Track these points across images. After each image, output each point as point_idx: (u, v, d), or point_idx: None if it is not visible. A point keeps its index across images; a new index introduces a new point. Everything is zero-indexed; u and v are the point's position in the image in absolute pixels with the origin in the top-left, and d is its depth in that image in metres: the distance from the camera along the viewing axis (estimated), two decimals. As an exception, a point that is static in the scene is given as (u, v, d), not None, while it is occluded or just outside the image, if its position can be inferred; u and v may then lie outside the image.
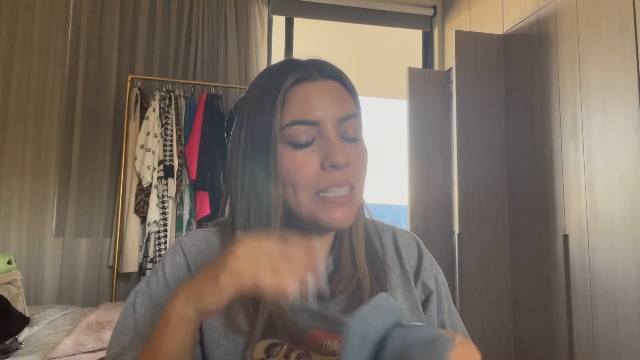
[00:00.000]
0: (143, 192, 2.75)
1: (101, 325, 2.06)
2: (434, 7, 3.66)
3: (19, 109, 2.91)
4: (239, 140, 0.64)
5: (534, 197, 2.45)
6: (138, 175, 2.73)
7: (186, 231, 2.81)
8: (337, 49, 4.37)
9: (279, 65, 0.65)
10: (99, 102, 3.01)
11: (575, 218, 2.15)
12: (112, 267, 2.85)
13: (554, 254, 2.27)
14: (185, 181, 2.81)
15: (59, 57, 3.00)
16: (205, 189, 2.80)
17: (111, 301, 2.76)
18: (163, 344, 0.52)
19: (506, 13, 2.79)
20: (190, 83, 3.01)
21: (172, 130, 2.77)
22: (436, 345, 0.42)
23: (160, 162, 2.73)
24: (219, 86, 3.03)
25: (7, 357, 1.75)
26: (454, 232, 2.82)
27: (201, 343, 0.62)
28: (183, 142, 2.82)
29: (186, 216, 2.83)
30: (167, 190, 2.72)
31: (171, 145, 2.75)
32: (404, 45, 4.07)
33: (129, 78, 2.90)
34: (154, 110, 2.78)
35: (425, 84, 3.17)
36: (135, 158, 2.74)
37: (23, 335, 1.99)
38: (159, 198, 2.72)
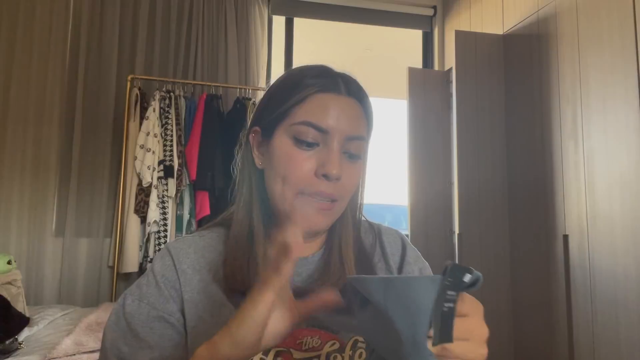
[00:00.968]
0: (143, 192, 2.75)
1: (101, 325, 2.06)
2: (434, 7, 3.66)
3: (19, 109, 2.91)
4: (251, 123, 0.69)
5: (534, 197, 2.45)
6: (138, 175, 2.73)
7: (186, 231, 2.82)
8: (337, 49, 4.37)
9: (313, 68, 0.67)
10: (99, 102, 3.01)
11: (575, 218, 2.15)
12: (112, 267, 2.85)
13: (554, 254, 2.27)
14: (185, 181, 2.81)
15: (59, 57, 3.00)
16: (205, 189, 2.80)
17: (111, 301, 2.76)
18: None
19: (506, 13, 2.79)
20: (190, 83, 3.01)
21: (172, 130, 2.77)
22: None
23: (160, 162, 2.73)
24: (219, 86, 3.03)
25: (7, 357, 1.75)
26: (454, 232, 2.82)
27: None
28: (183, 142, 2.82)
29: (186, 216, 2.83)
30: (167, 190, 2.72)
31: (171, 145, 2.75)
32: (404, 45, 4.07)
33: (129, 78, 2.90)
34: (154, 110, 2.78)
35: (425, 84, 3.17)
36: (135, 158, 2.74)
37: (23, 335, 2.00)
38: (159, 198, 2.72)
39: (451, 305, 0.38)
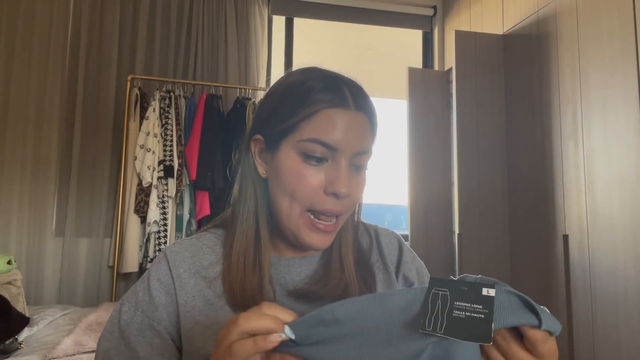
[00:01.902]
0: (143, 192, 2.75)
1: (101, 325, 2.06)
2: (434, 7, 3.66)
3: (19, 108, 2.91)
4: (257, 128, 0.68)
5: (533, 197, 2.45)
6: (138, 175, 2.73)
7: (186, 231, 2.82)
8: (337, 49, 4.37)
9: (318, 78, 0.64)
10: (99, 102, 3.01)
11: (575, 218, 2.15)
12: (112, 267, 2.85)
13: (554, 254, 2.27)
14: (185, 181, 2.81)
15: (59, 57, 3.00)
16: (205, 189, 2.80)
17: (111, 301, 2.76)
18: None
19: (506, 13, 2.79)
20: (190, 83, 3.01)
21: (172, 130, 2.77)
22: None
23: (160, 162, 2.73)
24: (219, 86, 3.03)
25: (7, 357, 1.75)
26: (454, 232, 2.82)
27: (179, 348, 0.64)
28: (183, 142, 2.82)
29: (186, 216, 2.83)
30: (167, 190, 2.72)
31: (171, 145, 2.75)
32: (404, 45, 4.07)
33: (129, 78, 2.90)
34: (154, 110, 2.78)
35: (425, 84, 3.17)
36: (135, 158, 2.74)
37: (23, 335, 2.00)
38: (159, 198, 2.72)
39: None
